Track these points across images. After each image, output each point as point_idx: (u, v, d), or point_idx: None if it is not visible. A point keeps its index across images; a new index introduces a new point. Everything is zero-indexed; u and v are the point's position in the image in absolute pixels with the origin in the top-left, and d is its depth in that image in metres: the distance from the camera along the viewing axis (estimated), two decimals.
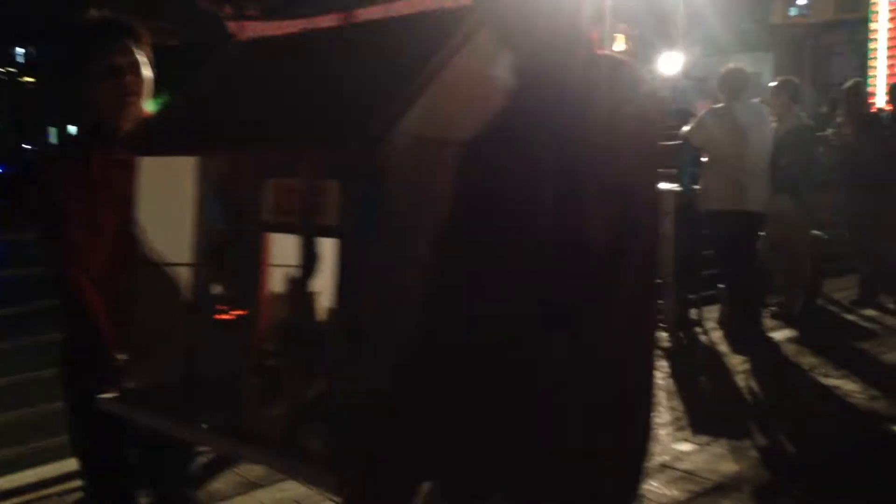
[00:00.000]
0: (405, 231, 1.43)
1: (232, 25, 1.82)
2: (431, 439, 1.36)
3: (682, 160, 6.31)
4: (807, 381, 4.91)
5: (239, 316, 1.80)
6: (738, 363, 5.24)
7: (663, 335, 5.88)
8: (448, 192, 1.36)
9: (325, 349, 1.59)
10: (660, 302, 6.01)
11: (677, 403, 4.55)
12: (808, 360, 5.23)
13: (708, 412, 4.49)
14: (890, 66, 15.78)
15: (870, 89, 14.37)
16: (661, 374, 5.08)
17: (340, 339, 1.52)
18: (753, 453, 3.87)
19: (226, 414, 1.67)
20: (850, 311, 6.47)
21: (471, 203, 1.35)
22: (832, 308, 6.58)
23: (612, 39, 23.77)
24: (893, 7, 15.81)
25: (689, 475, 3.64)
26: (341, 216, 1.55)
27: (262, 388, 1.65)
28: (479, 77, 1.47)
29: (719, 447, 3.93)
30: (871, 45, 16.22)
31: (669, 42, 21.56)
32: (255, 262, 1.79)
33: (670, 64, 21.64)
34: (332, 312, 1.63)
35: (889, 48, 15.88)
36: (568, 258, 1.29)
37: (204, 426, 1.70)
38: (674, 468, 3.72)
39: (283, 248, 1.75)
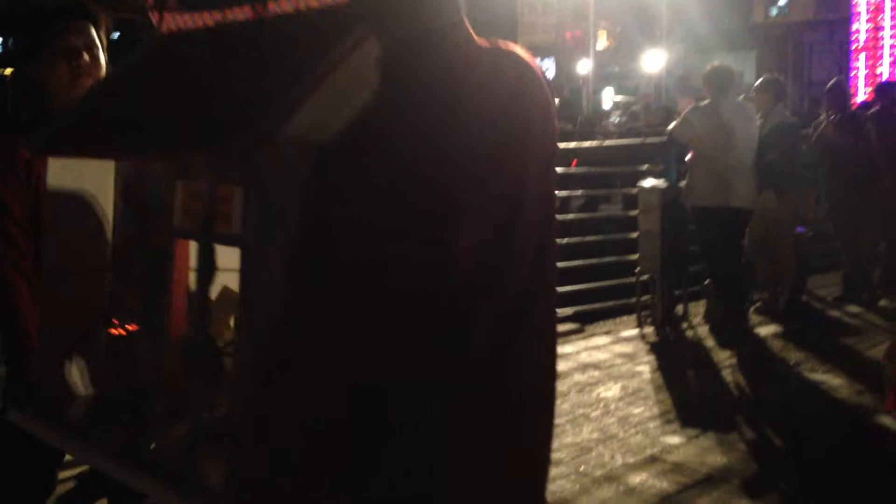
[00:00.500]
0: (286, 241, 1.26)
1: (153, 16, 1.69)
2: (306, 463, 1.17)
3: (668, 157, 6.36)
4: (793, 375, 4.97)
5: (133, 331, 1.67)
6: (724, 358, 5.29)
7: (650, 330, 5.92)
8: (301, 203, 1.16)
9: (225, 367, 1.48)
10: (646, 297, 6.05)
11: (665, 397, 4.59)
12: (793, 355, 5.29)
13: (696, 406, 4.53)
14: (870, 66, 15.95)
15: (851, 88, 14.51)
16: (649, 368, 5.12)
17: (243, 356, 1.35)
18: (741, 446, 3.92)
19: (124, 435, 1.52)
20: (834, 307, 6.55)
21: (323, 218, 1.16)
22: (816, 304, 6.65)
23: (595, 36, 23.87)
24: (873, 7, 15.99)
25: (678, 467, 3.68)
26: (243, 224, 1.39)
27: (160, 409, 1.52)
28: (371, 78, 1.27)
29: (707, 440, 3.97)
30: (853, 44, 16.38)
31: (652, 40, 21.67)
32: (163, 271, 1.65)
33: (653, 62, 21.77)
34: (235, 328, 1.51)
35: (868, 47, 16.04)
36: (438, 275, 1.15)
37: (99, 449, 1.54)
38: (663, 460, 3.76)
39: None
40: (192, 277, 1.61)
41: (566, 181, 9.24)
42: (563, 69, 28.39)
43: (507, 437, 1.27)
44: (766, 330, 5.86)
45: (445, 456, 1.21)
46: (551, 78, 29.10)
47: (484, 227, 1.18)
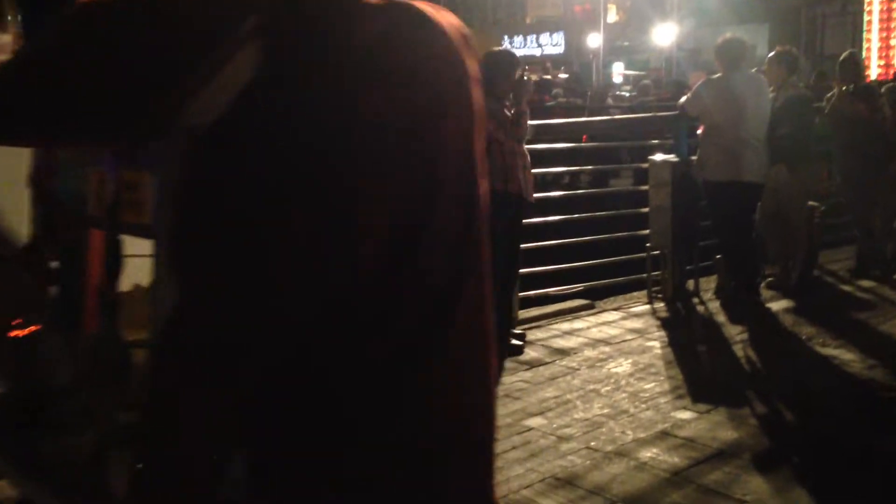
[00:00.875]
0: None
1: None
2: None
3: (679, 131, 6.30)
4: (804, 350, 4.95)
5: (41, 328, 1.54)
6: (735, 333, 5.27)
7: (661, 305, 5.90)
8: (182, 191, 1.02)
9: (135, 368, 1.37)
10: (656, 273, 6.03)
11: (676, 372, 4.58)
12: (805, 330, 5.27)
13: (707, 381, 4.52)
14: (883, 38, 15.76)
15: (864, 61, 14.34)
16: (660, 343, 5.11)
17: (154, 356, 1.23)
18: (752, 421, 3.91)
19: (28, 441, 1.43)
20: (846, 282, 6.51)
21: (202, 206, 1.00)
22: (829, 279, 6.62)
23: (605, 10, 23.64)
24: None
25: (689, 442, 3.68)
26: (153, 213, 1.28)
27: (64, 413, 1.42)
28: None
29: (718, 415, 3.96)
30: (865, 17, 16.18)
31: (663, 14, 21.44)
32: (76, 264, 1.54)
33: (664, 36, 21.55)
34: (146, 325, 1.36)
35: (882, 19, 15.84)
36: (336, 271, 0.99)
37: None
38: (674, 436, 3.75)
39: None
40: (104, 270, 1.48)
41: (576, 156, 9.24)
42: (573, 43, 28.17)
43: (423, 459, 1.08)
44: (777, 305, 5.83)
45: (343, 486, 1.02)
46: (560, 52, 28.93)
47: (389, 215, 0.99)
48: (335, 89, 0.97)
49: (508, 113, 4.70)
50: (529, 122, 5.38)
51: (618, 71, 24.04)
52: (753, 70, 6.22)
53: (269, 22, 0.97)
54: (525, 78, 4.79)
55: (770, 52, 6.57)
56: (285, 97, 0.96)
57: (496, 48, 4.87)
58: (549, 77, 15.48)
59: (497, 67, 4.72)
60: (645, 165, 6.31)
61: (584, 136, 9.72)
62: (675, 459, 3.52)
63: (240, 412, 1.00)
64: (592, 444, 3.71)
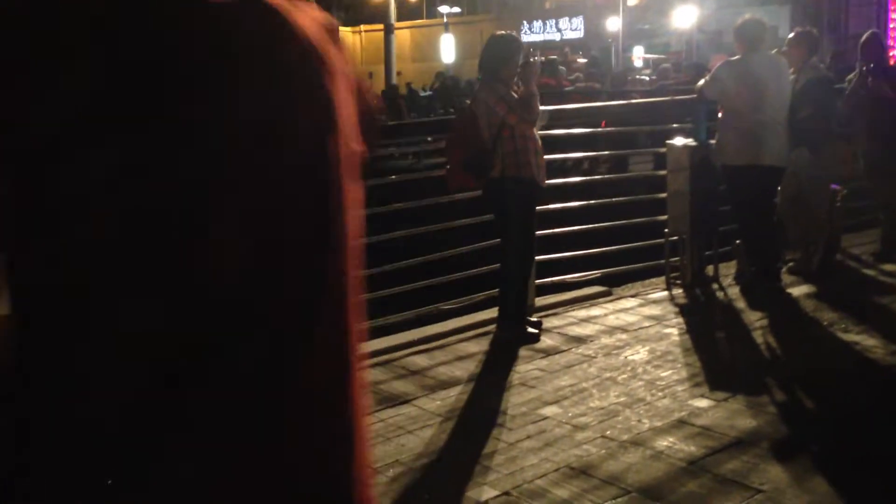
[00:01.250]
0: None
1: None
2: None
3: (698, 114, 6.20)
4: (825, 336, 4.87)
5: None
6: (755, 319, 5.20)
7: (679, 292, 5.83)
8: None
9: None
10: (675, 259, 5.95)
11: (694, 360, 4.52)
12: (826, 316, 5.18)
13: (725, 368, 4.46)
14: None
15: (889, 41, 14.09)
16: (678, 330, 5.05)
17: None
18: (771, 409, 3.85)
19: None
20: (869, 266, 6.39)
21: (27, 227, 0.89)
22: (851, 263, 6.50)
23: None
24: None
25: (706, 431, 3.62)
26: None
27: None
28: None
29: (736, 403, 3.90)
30: None
31: None
32: None
33: (684, 18, 21.30)
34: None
35: None
36: (177, 295, 0.89)
37: None
38: (691, 424, 3.70)
39: None
40: None
41: (595, 142, 9.15)
42: (593, 28, 27.94)
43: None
44: (798, 290, 5.74)
45: None
46: (580, 37, 28.69)
47: (239, 232, 0.90)
48: (175, 94, 0.88)
49: (516, 96, 4.67)
50: (543, 108, 5.33)
51: (638, 55, 23.82)
52: (774, 51, 6.11)
53: (106, 22, 0.87)
54: (532, 59, 4.74)
55: (791, 33, 6.44)
56: (120, 107, 0.86)
57: (499, 32, 4.82)
58: (560, 64, 15.30)
59: (500, 52, 4.70)
60: (663, 150, 6.22)
61: (603, 122, 9.63)
62: (692, 448, 3.47)
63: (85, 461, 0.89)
64: (608, 433, 3.67)
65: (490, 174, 4.70)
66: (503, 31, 4.85)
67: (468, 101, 5.39)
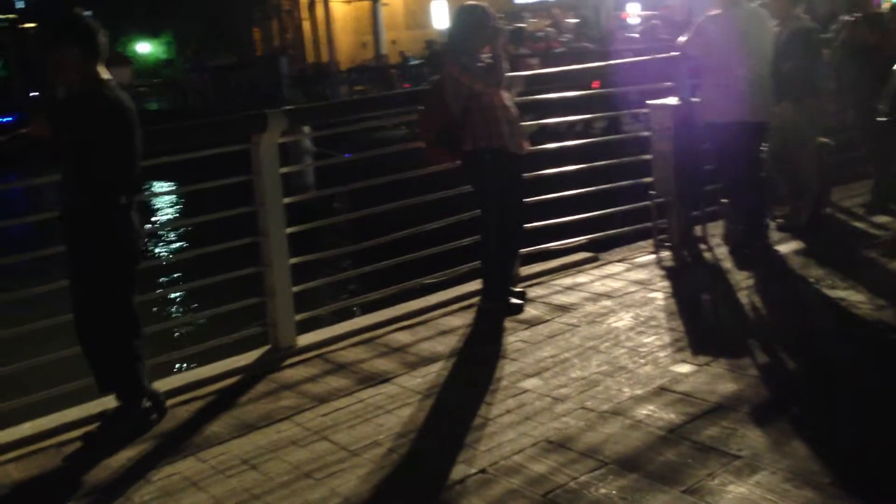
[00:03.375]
0: None
1: None
2: None
3: (680, 72, 6.08)
4: (812, 293, 4.80)
5: None
6: (742, 279, 5.13)
7: (667, 254, 5.76)
8: None
9: None
10: (662, 221, 5.87)
11: (677, 324, 4.47)
12: (814, 272, 5.11)
13: (708, 332, 4.41)
14: None
15: None
16: (663, 294, 4.99)
17: None
18: (753, 372, 3.80)
19: None
20: (860, 219, 6.30)
21: None
22: (841, 216, 6.41)
23: None
24: None
25: (686, 397, 3.58)
26: None
27: None
28: None
29: (719, 367, 3.85)
30: None
31: None
32: None
33: None
34: None
35: None
36: None
37: None
38: (671, 391, 3.66)
39: None
40: None
41: (589, 103, 9.01)
42: None
43: None
44: (787, 247, 5.66)
45: None
46: None
47: None
48: None
49: (482, 63, 4.59)
50: (519, 73, 5.24)
51: (633, 11, 23.43)
52: (756, 3, 5.97)
53: None
54: (497, 26, 4.65)
55: None
56: None
57: (469, 3, 4.72)
58: (545, 27, 15.07)
59: (465, 23, 4.63)
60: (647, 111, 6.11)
61: (596, 83, 9.49)
62: (671, 416, 3.43)
63: None
64: (588, 403, 3.63)
65: (463, 147, 4.63)
66: (471, 2, 4.74)
67: (436, 76, 5.30)
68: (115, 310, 3.69)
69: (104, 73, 3.64)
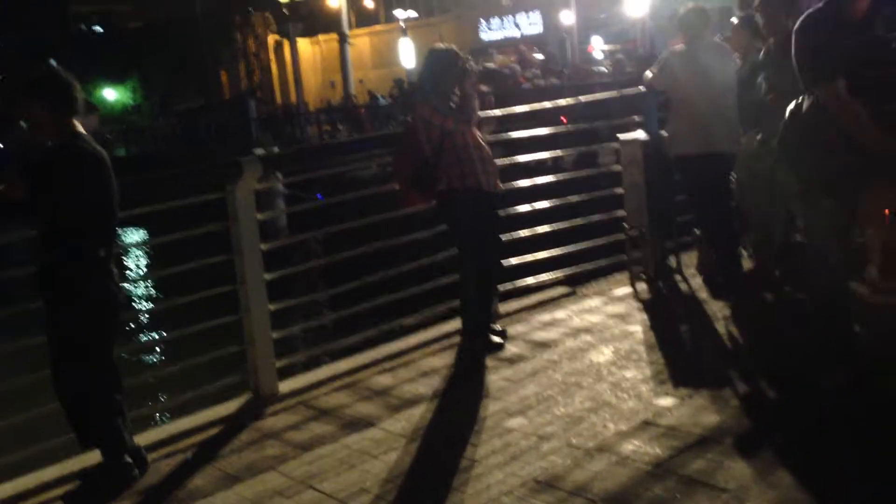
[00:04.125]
0: None
1: None
2: None
3: (648, 106, 6.19)
4: (789, 321, 4.86)
5: None
6: (718, 309, 5.19)
7: (643, 287, 5.81)
8: None
9: None
10: (637, 253, 5.92)
11: (658, 357, 4.50)
12: (789, 299, 5.17)
13: (689, 363, 4.44)
14: None
15: None
16: (642, 327, 5.03)
17: None
18: (734, 402, 3.83)
19: None
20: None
21: None
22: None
23: None
24: None
25: (671, 431, 3.60)
26: None
27: None
28: None
29: (701, 398, 3.88)
30: None
31: None
32: None
33: (636, 5, 21.30)
34: None
35: None
36: None
37: None
38: (656, 425, 3.67)
39: None
40: None
41: (556, 140, 9.08)
42: (551, 22, 27.94)
43: None
44: (761, 274, 5.72)
45: None
46: (539, 32, 28.68)
47: None
48: None
49: (453, 104, 4.65)
50: (492, 113, 5.30)
51: (597, 46, 23.84)
52: (718, 38, 6.11)
53: None
54: (466, 67, 4.72)
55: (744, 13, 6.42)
56: None
57: (437, 46, 4.81)
58: (511, 63, 15.28)
59: (435, 66, 4.70)
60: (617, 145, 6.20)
61: (564, 119, 9.57)
62: (657, 450, 3.44)
63: None
64: (574, 441, 3.63)
65: (437, 187, 4.66)
66: (440, 45, 4.82)
67: (408, 118, 5.36)
68: (95, 364, 3.65)
69: (78, 127, 3.64)
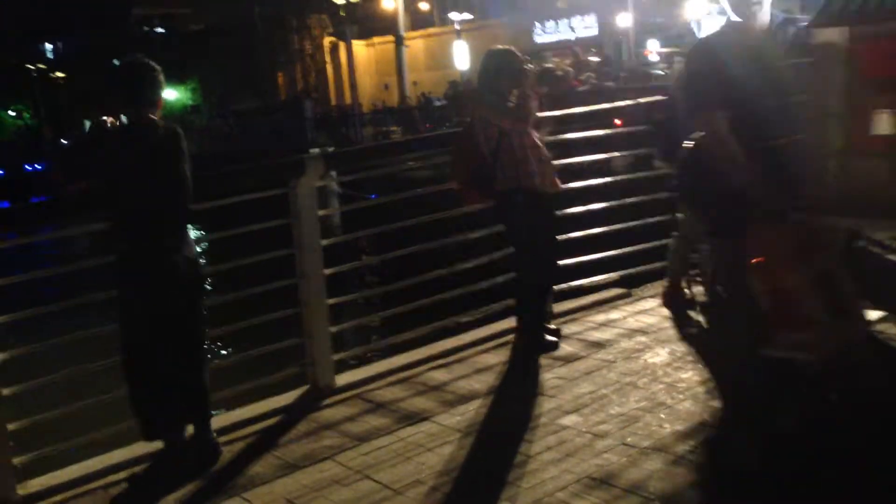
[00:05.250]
0: None
1: None
2: None
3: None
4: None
5: None
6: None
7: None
8: None
9: None
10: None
11: (715, 359, 4.46)
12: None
13: None
14: None
15: None
16: (698, 329, 4.99)
17: None
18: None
19: None
20: None
21: None
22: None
23: None
24: None
25: None
26: None
27: None
28: None
29: None
30: None
31: None
32: None
33: (695, 7, 21.05)
34: None
35: None
36: None
37: None
38: (713, 426, 3.65)
39: None
40: None
41: (611, 142, 9.04)
42: (606, 24, 27.81)
43: None
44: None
45: None
46: (595, 35, 28.53)
47: None
48: None
49: (510, 103, 4.68)
50: (549, 113, 5.32)
51: (654, 49, 23.65)
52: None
53: None
54: (524, 67, 4.75)
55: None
56: None
57: (497, 47, 4.84)
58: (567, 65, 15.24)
59: (493, 65, 4.73)
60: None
61: (620, 121, 9.52)
62: (714, 451, 3.42)
63: None
64: (629, 440, 3.64)
65: (494, 187, 4.69)
66: (500, 46, 4.85)
67: (466, 119, 5.40)
68: (203, 337, 3.93)
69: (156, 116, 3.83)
